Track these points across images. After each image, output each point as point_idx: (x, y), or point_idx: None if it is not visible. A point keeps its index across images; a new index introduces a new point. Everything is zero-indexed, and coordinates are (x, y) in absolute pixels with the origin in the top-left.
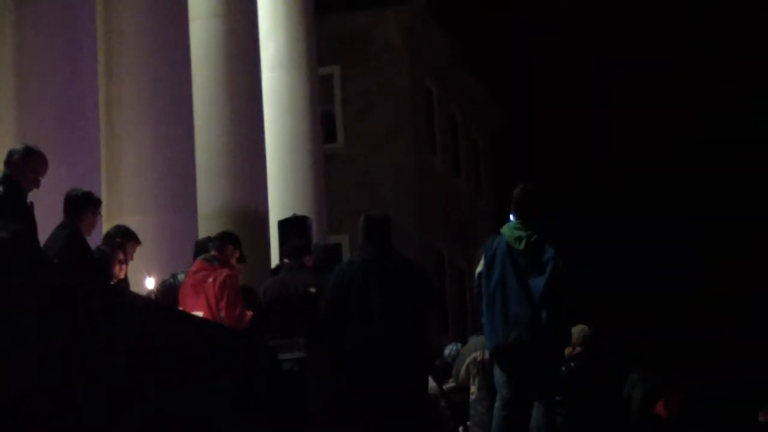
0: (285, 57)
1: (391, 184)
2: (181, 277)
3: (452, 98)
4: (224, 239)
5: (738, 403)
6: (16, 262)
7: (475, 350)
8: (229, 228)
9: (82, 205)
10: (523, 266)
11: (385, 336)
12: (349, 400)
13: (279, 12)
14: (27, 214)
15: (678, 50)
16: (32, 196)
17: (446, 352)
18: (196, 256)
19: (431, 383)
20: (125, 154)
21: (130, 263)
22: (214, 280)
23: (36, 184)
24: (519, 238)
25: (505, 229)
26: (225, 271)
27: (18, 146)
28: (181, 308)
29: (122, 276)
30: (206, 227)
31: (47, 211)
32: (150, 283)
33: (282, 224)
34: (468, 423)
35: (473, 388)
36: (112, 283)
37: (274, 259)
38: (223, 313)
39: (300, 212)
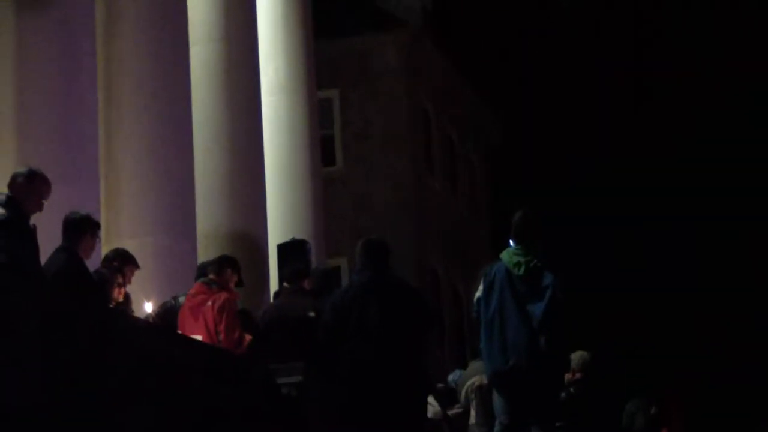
0: (284, 81)
1: (389, 204)
2: (182, 299)
3: (449, 117)
4: (223, 263)
5: (741, 418)
6: (16, 285)
7: (474, 375)
8: (228, 251)
9: (81, 228)
10: (522, 292)
11: (383, 356)
12: (348, 418)
13: (278, 36)
14: (30, 237)
15: (678, 50)
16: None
17: (450, 377)
18: (197, 279)
19: (435, 407)
20: (124, 177)
21: (129, 286)
22: (213, 303)
23: (39, 207)
24: (518, 264)
25: (505, 255)
26: (224, 295)
27: (22, 169)
28: (180, 331)
29: (121, 299)
30: (205, 250)
31: (44, 232)
32: (149, 308)
33: (281, 248)
34: None
35: (472, 413)
36: (111, 305)
37: (273, 283)
38: (221, 337)
39: (299, 235)
